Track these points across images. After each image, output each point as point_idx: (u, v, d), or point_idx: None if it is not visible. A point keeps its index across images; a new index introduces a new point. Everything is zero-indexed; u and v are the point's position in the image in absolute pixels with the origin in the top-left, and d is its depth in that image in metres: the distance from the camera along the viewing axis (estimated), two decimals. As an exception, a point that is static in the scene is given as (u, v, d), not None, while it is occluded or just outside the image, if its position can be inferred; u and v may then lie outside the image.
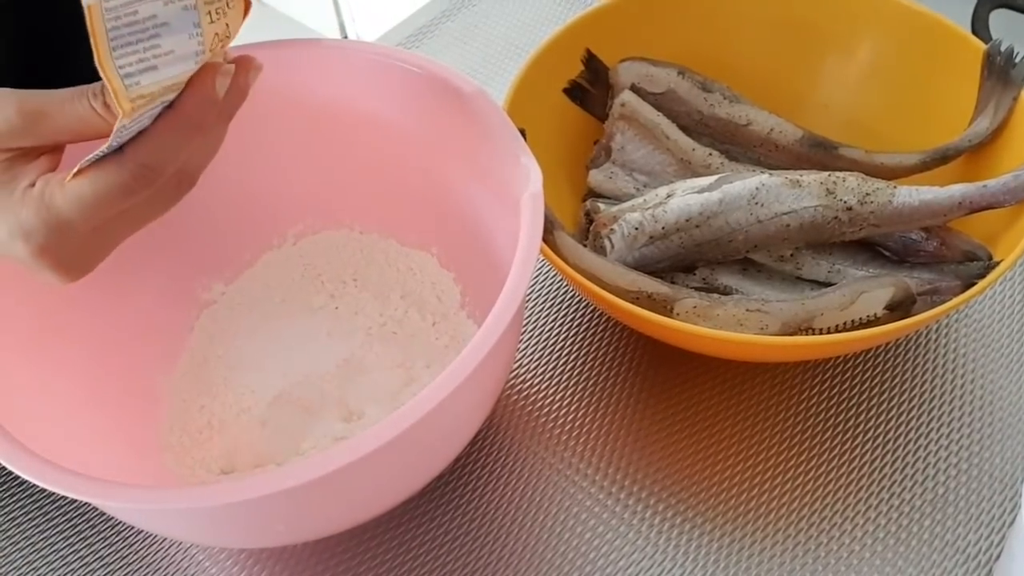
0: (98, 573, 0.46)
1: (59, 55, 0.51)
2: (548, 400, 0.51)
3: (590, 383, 0.52)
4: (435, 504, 0.48)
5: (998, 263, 0.46)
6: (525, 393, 0.52)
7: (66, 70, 0.51)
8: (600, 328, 0.54)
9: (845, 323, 0.47)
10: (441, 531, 0.47)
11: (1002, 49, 0.52)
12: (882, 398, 0.51)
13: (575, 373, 0.52)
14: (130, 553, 0.47)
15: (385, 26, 0.75)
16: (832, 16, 0.57)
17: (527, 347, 0.54)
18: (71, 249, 0.33)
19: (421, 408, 0.34)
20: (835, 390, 0.51)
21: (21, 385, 0.42)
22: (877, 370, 0.52)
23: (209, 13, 0.30)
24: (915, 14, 0.55)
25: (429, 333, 0.51)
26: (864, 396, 0.51)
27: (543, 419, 0.51)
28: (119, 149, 0.32)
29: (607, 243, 0.50)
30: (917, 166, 0.53)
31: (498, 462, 0.49)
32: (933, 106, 0.55)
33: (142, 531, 0.48)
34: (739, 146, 0.57)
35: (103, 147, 0.31)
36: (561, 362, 0.53)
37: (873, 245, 0.52)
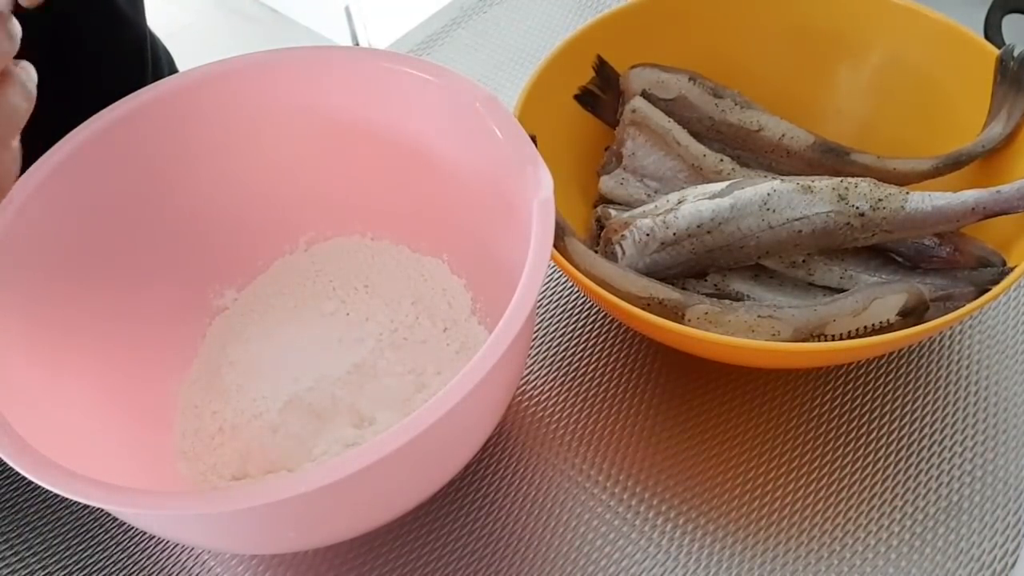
0: (111, 578, 0.47)
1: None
2: (559, 407, 0.51)
3: (601, 389, 0.52)
4: (446, 510, 0.48)
5: (1012, 269, 0.46)
6: (536, 399, 0.52)
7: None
8: (611, 334, 0.54)
9: (858, 329, 0.47)
10: (452, 537, 0.47)
11: (1015, 54, 0.52)
12: (895, 405, 0.50)
13: (586, 379, 0.52)
14: (143, 557, 0.47)
15: (396, 33, 0.75)
16: (844, 21, 0.57)
17: (538, 354, 0.54)
18: None
19: (432, 415, 0.34)
20: (847, 397, 0.51)
21: (33, 391, 0.42)
22: (890, 377, 0.51)
23: None
24: (927, 19, 0.54)
25: (440, 339, 0.52)
26: (877, 403, 0.50)
27: (554, 425, 0.51)
28: None
29: (618, 249, 0.50)
30: (930, 171, 0.53)
31: (509, 468, 0.49)
32: (946, 111, 0.55)
33: (154, 536, 0.48)
34: (750, 152, 0.56)
35: None
36: (572, 368, 0.53)
37: (886, 251, 0.52)
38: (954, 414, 0.50)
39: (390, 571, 0.46)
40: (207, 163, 0.51)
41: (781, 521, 0.47)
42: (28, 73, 0.36)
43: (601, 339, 0.54)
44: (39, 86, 0.37)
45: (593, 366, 0.53)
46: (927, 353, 0.52)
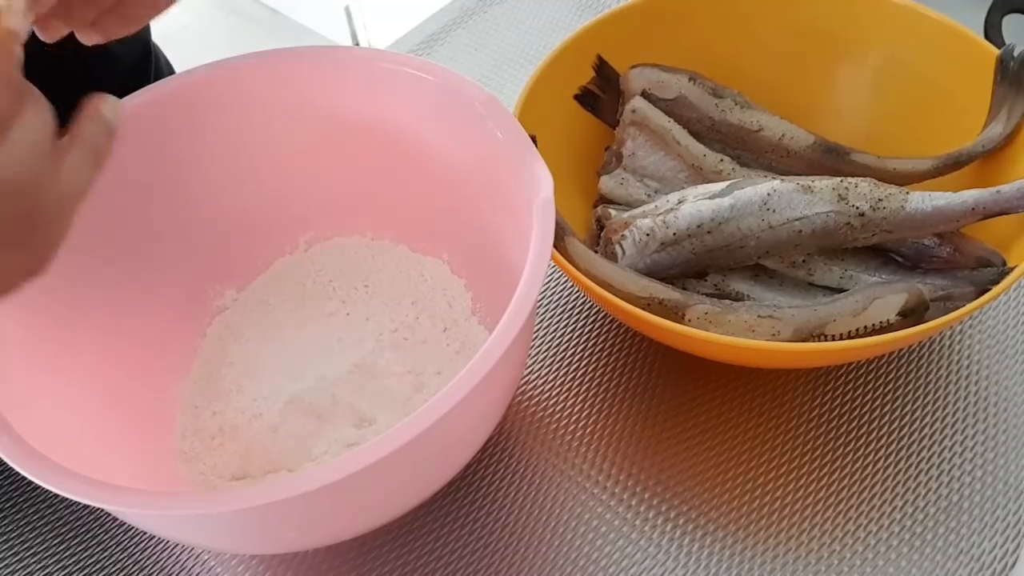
0: (111, 578, 0.47)
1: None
2: (559, 407, 0.51)
3: (601, 389, 0.52)
4: (446, 510, 0.48)
5: (1012, 269, 0.46)
6: (536, 399, 0.52)
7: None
8: (611, 334, 0.54)
9: (858, 329, 0.47)
10: (452, 537, 0.47)
11: (1015, 54, 0.52)
12: (895, 405, 0.50)
13: (586, 379, 0.52)
14: (143, 557, 0.47)
15: (396, 33, 0.75)
16: (844, 21, 0.57)
17: (538, 353, 0.54)
18: None
19: (432, 415, 0.34)
20: (847, 397, 0.51)
21: (34, 391, 0.42)
22: (890, 377, 0.51)
23: None
24: (927, 19, 0.54)
25: (440, 339, 0.52)
26: (877, 403, 0.50)
27: (554, 425, 0.51)
28: None
29: (618, 249, 0.50)
30: (930, 171, 0.53)
31: (509, 468, 0.49)
32: (946, 111, 0.55)
33: (154, 536, 0.48)
34: (750, 152, 0.56)
35: None
36: (572, 368, 0.53)
37: (886, 251, 0.52)
38: (954, 414, 0.50)
39: (390, 571, 0.46)
40: (207, 163, 0.51)
41: (781, 521, 0.47)
42: (111, 107, 0.34)
43: (601, 339, 0.54)
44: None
45: (593, 366, 0.53)
46: (927, 353, 0.52)
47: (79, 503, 0.48)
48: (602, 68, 0.57)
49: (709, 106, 0.56)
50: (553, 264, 0.45)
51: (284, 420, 0.49)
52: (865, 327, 0.47)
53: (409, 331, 0.52)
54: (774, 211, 0.49)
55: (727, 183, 0.51)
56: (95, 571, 0.47)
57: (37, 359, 0.43)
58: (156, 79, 0.63)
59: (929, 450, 0.49)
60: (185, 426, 0.49)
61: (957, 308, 0.45)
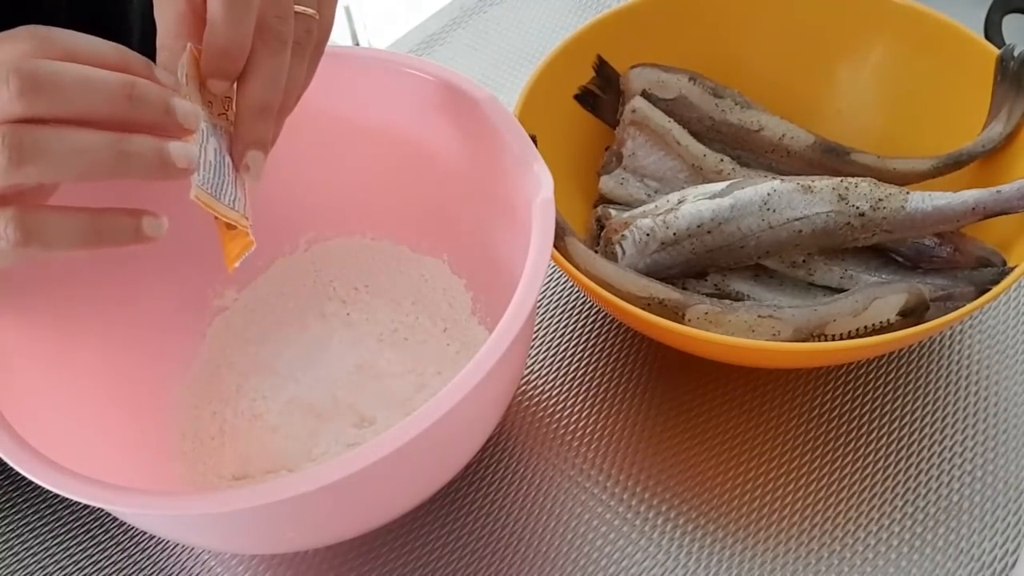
0: (111, 578, 0.47)
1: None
2: (559, 406, 0.51)
3: (601, 389, 0.52)
4: (447, 510, 0.48)
5: (1012, 269, 0.46)
6: (536, 399, 0.52)
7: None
8: (611, 334, 0.54)
9: (858, 329, 0.47)
10: (452, 537, 0.47)
11: (1015, 54, 0.52)
12: (895, 405, 0.50)
13: (586, 379, 0.52)
14: (143, 557, 0.47)
15: (396, 33, 0.75)
16: (844, 21, 0.57)
17: (538, 353, 0.54)
18: None
19: (432, 414, 0.34)
20: (847, 396, 0.51)
21: (34, 392, 0.42)
22: (890, 377, 0.51)
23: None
24: (928, 19, 0.54)
25: (440, 339, 0.52)
26: (877, 403, 0.50)
27: (554, 425, 0.51)
28: None
29: (618, 249, 0.50)
30: (930, 171, 0.53)
31: (509, 468, 0.49)
32: (946, 111, 0.55)
33: (154, 536, 0.48)
34: (751, 152, 0.56)
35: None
36: (572, 368, 0.53)
37: (886, 251, 0.52)
38: (954, 414, 0.50)
39: (390, 571, 0.46)
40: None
41: (780, 521, 0.47)
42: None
43: (601, 339, 0.54)
44: None
45: (593, 366, 0.53)
46: (927, 353, 0.52)
47: (78, 504, 0.48)
48: (602, 68, 0.57)
49: (709, 106, 0.56)
50: (553, 264, 0.45)
51: (284, 420, 0.49)
52: (865, 327, 0.47)
53: (409, 331, 0.52)
54: (774, 211, 0.49)
55: (727, 183, 0.51)
56: (93, 572, 0.47)
57: (37, 359, 0.43)
58: None
59: (929, 450, 0.49)
60: (185, 426, 0.49)
61: (957, 308, 0.45)
